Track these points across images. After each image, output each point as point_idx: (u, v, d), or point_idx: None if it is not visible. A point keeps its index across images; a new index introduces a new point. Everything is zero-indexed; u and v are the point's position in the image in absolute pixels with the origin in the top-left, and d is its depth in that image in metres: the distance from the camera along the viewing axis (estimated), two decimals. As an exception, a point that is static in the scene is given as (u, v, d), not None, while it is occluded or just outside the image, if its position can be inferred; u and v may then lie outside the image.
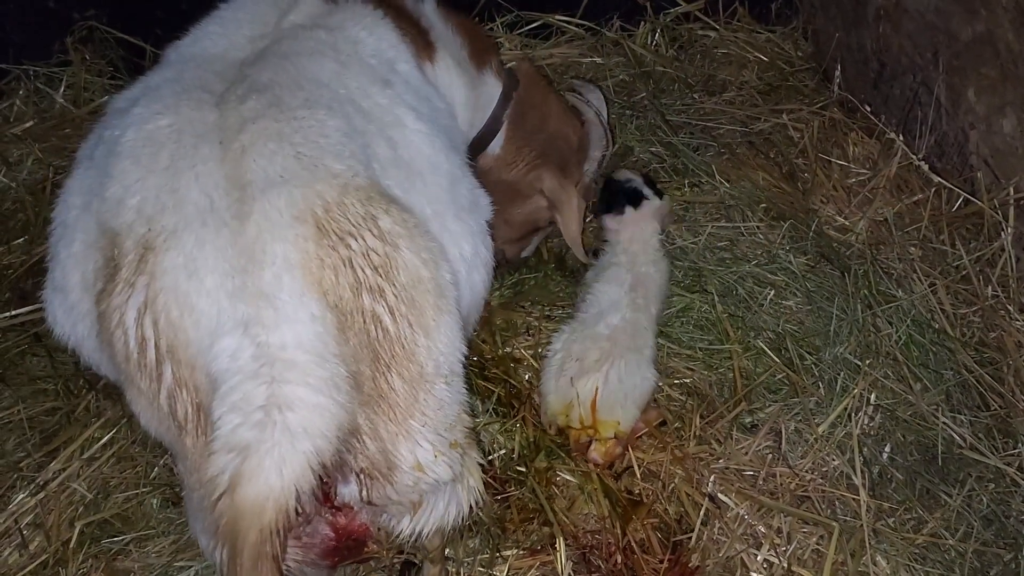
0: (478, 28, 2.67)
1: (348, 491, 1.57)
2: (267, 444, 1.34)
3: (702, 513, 2.30)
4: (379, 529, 1.69)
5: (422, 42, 2.26)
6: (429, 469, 1.59)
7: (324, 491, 1.53)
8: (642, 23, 3.87)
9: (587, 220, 2.94)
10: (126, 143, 1.64)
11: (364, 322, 1.48)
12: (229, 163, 1.55)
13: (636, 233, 2.76)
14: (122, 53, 3.55)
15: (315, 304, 1.44)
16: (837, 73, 3.59)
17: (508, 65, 2.68)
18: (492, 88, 2.56)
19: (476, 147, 2.55)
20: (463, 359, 1.67)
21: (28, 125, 3.40)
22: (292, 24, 2.04)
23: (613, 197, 2.86)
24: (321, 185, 1.53)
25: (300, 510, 1.37)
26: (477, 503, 1.78)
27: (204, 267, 1.46)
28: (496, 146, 2.62)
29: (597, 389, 2.37)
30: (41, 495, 2.32)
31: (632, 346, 2.46)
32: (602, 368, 2.40)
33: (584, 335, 2.49)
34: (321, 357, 1.41)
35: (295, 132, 1.60)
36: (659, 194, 2.88)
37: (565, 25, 3.83)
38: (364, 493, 1.57)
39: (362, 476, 1.55)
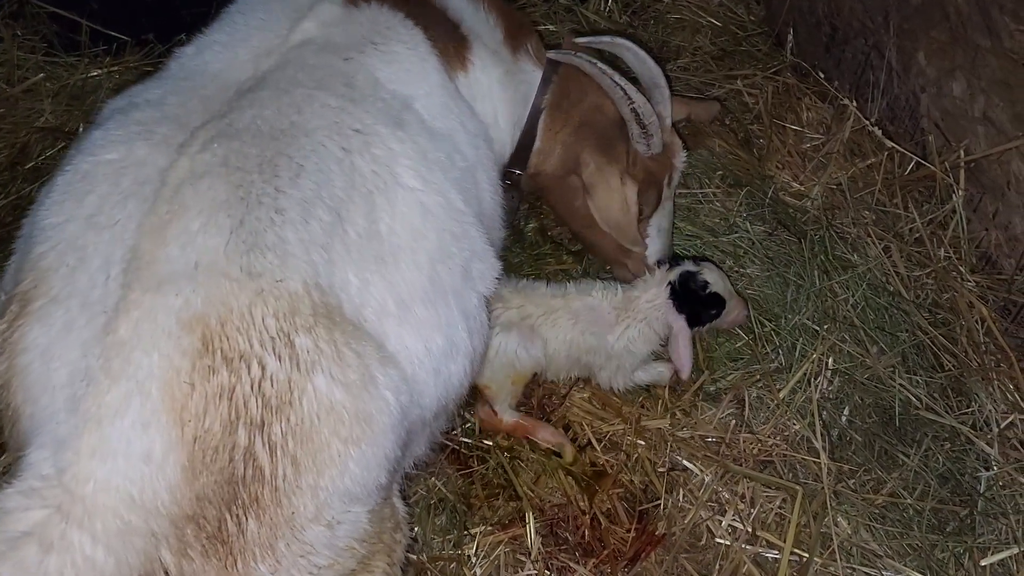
0: (511, 8, 2.41)
1: None
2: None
3: (663, 481, 2.32)
4: None
5: (454, 40, 2.09)
6: None
7: None
8: (594, -11, 3.82)
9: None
10: (68, 171, 1.56)
11: (231, 460, 1.30)
12: (148, 230, 1.41)
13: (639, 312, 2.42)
14: (56, 28, 3.40)
15: (161, 439, 1.27)
16: (790, 37, 3.59)
17: (551, 54, 2.37)
18: (531, 74, 2.33)
19: (522, 146, 2.37)
20: (382, 486, 1.49)
21: (-40, 106, 3.25)
22: (305, 38, 1.87)
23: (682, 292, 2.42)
24: (231, 287, 1.35)
25: None
26: None
27: (60, 357, 1.35)
28: (538, 139, 2.37)
29: None
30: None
31: (538, 322, 2.35)
32: (497, 328, 2.31)
33: (516, 289, 2.39)
34: (129, 505, 1.25)
35: (239, 202, 1.43)
36: (690, 316, 2.40)
37: (517, -8, 3.77)
38: None
39: None
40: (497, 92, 2.23)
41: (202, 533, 1.32)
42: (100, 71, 3.37)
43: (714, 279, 2.42)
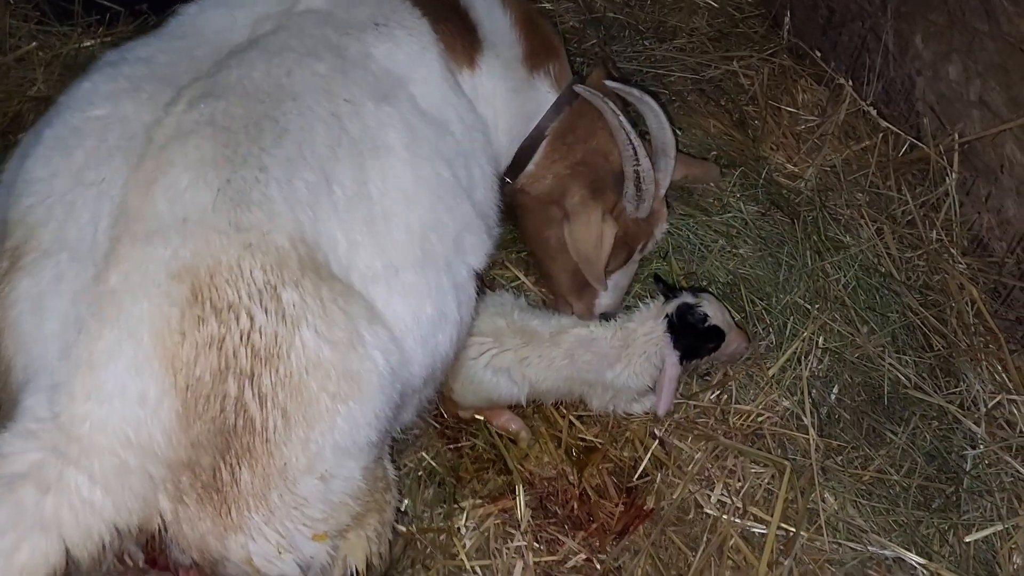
0: (544, 24, 2.36)
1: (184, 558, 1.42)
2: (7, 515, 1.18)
3: (648, 454, 2.34)
4: None
5: (464, 42, 2.06)
6: (266, 566, 1.41)
7: (151, 555, 1.40)
8: (592, -32, 3.80)
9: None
10: (56, 125, 1.56)
11: (222, 410, 1.32)
12: (135, 186, 1.42)
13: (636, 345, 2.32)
14: (49, -5, 3.37)
15: (155, 384, 1.28)
16: (786, 19, 3.59)
17: (578, 88, 2.29)
18: (543, 96, 2.30)
19: (517, 162, 2.33)
20: (373, 442, 1.49)
21: (-49, 73, 3.22)
22: (308, 8, 1.85)
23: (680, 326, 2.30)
24: (219, 239, 1.36)
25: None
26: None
27: (51, 307, 1.36)
28: (533, 162, 2.33)
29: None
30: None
31: (521, 355, 2.28)
32: (487, 342, 2.28)
33: (517, 313, 2.33)
34: (125, 445, 1.25)
35: (225, 161, 1.44)
36: (688, 349, 2.30)
37: (514, -31, 3.74)
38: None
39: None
40: (500, 103, 2.19)
41: (197, 481, 1.33)
42: (93, 41, 3.34)
43: (713, 311, 2.31)
